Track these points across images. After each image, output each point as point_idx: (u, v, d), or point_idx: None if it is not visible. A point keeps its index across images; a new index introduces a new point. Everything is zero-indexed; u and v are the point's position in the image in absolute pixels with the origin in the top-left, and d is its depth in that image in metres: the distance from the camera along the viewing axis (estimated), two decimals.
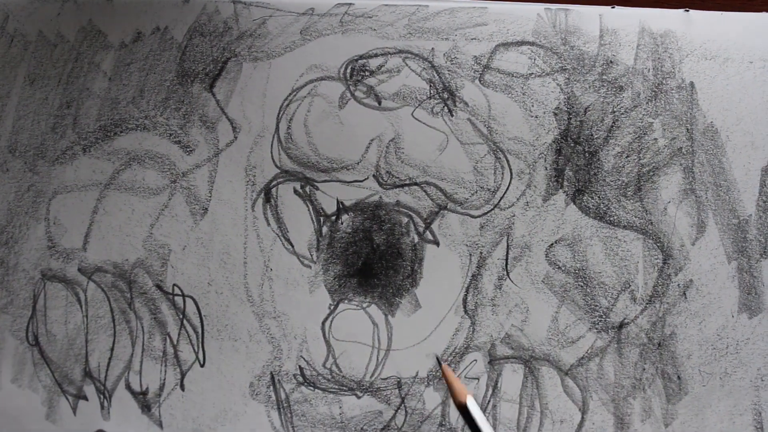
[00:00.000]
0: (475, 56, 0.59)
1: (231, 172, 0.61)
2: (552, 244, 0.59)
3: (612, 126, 0.59)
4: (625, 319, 0.59)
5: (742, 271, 0.59)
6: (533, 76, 0.59)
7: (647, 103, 0.58)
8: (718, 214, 0.58)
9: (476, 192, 0.60)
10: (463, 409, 0.54)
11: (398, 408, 0.61)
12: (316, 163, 0.61)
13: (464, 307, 0.60)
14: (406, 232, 0.60)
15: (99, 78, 0.63)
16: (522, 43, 0.59)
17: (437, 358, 0.60)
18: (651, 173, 0.59)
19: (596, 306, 0.59)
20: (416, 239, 0.60)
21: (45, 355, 0.63)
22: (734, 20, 0.58)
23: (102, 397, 0.63)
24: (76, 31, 0.63)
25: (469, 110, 0.59)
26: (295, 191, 0.61)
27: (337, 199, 0.60)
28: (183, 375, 0.62)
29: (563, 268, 0.59)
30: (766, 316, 0.59)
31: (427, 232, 0.60)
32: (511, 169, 0.59)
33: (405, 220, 0.60)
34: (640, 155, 0.59)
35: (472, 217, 0.60)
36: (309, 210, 0.61)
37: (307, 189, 0.61)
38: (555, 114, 0.59)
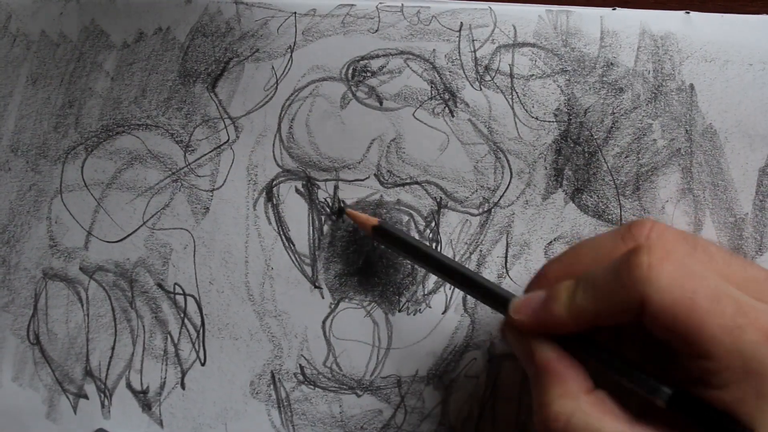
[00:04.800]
0: (476, 58, 0.59)
1: (233, 172, 0.62)
2: (551, 242, 0.60)
3: (612, 127, 0.59)
4: None
5: None
6: (534, 77, 0.59)
7: (647, 104, 0.59)
8: (715, 212, 0.59)
9: (476, 191, 0.60)
10: (379, 232, 0.55)
11: (398, 406, 0.61)
12: (318, 162, 0.61)
13: (464, 305, 0.60)
14: (407, 230, 0.60)
15: (101, 78, 0.63)
16: (523, 44, 0.59)
17: (340, 206, 0.60)
18: (650, 173, 0.59)
19: None
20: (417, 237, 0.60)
21: (46, 354, 0.63)
22: (735, 22, 0.58)
23: (102, 395, 0.63)
24: (79, 31, 0.63)
25: (469, 111, 0.60)
26: (297, 190, 0.61)
27: (339, 198, 0.61)
28: (184, 374, 0.62)
29: None
30: None
31: (428, 230, 0.60)
32: (511, 169, 0.60)
33: (406, 218, 0.60)
34: (639, 156, 0.59)
35: (472, 215, 0.60)
36: (310, 208, 0.61)
37: (309, 187, 0.61)
38: (555, 115, 0.59)
